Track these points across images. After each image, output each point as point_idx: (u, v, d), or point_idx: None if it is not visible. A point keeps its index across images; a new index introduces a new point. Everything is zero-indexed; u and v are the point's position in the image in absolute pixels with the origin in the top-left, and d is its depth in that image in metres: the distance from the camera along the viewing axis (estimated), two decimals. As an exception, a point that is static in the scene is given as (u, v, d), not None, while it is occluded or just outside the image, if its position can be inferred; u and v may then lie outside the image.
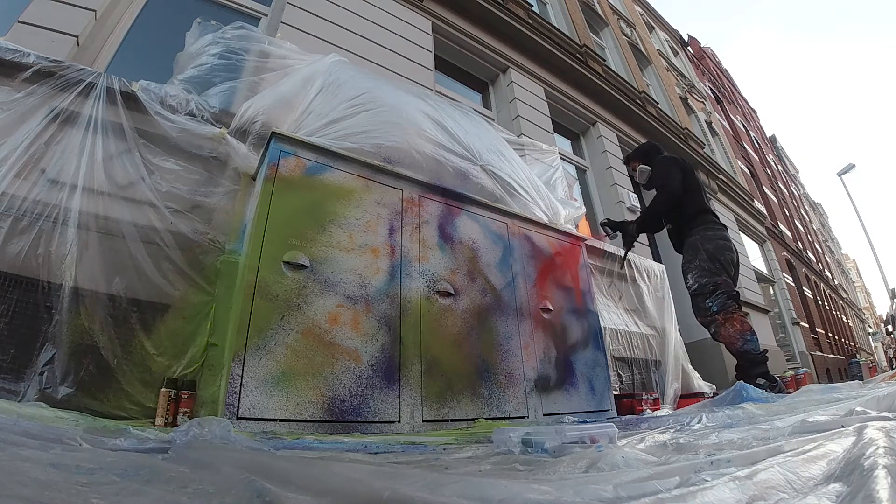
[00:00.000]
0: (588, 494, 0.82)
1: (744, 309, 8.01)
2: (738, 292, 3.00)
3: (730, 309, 2.91)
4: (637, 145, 3.74)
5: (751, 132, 19.92)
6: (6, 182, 2.01)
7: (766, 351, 2.90)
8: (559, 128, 6.52)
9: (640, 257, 4.92)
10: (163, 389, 1.87)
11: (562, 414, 2.73)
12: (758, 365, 2.75)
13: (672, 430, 1.80)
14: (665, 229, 3.39)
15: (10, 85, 2.23)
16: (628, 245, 3.44)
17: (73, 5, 2.78)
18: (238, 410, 1.71)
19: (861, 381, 2.86)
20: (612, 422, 2.19)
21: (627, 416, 2.93)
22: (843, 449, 0.79)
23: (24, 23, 2.58)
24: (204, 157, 2.51)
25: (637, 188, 6.50)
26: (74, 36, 2.73)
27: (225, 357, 1.86)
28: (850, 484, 0.62)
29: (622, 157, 6.93)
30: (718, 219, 3.28)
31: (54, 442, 1.12)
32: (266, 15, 3.90)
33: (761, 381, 2.69)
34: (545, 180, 3.94)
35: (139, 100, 2.42)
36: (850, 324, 24.72)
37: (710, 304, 2.91)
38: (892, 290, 17.81)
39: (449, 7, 5.41)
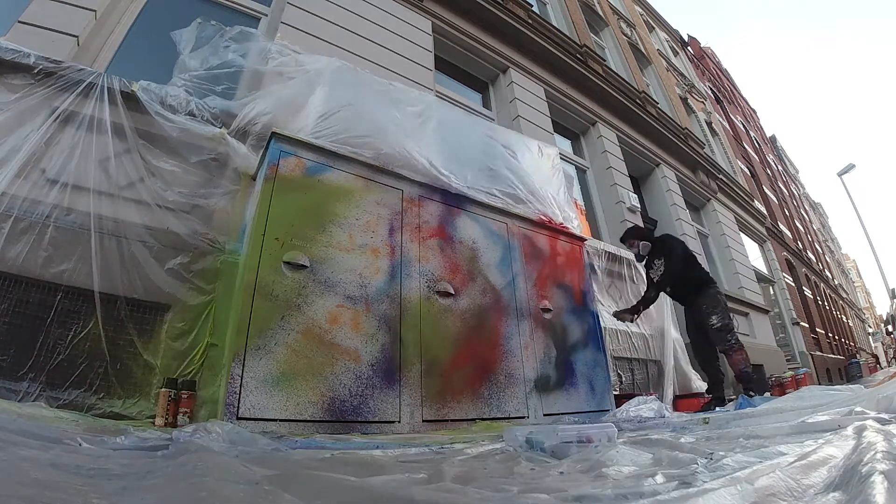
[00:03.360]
0: (588, 494, 0.82)
1: (744, 309, 8.09)
2: None
3: (740, 344, 3.82)
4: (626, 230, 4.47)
5: (751, 132, 19.91)
6: (6, 182, 2.01)
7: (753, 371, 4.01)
8: (559, 128, 6.51)
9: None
10: (163, 389, 1.87)
11: (562, 414, 2.73)
12: (750, 382, 3.71)
13: (671, 431, 1.81)
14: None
15: (10, 85, 2.23)
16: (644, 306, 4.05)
17: (73, 5, 2.78)
18: (238, 410, 1.71)
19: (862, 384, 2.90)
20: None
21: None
22: (843, 454, 0.79)
23: (24, 23, 2.58)
24: (204, 157, 2.51)
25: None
26: (74, 36, 2.72)
27: (225, 357, 1.86)
28: (848, 492, 0.62)
29: (622, 157, 6.94)
30: None
31: (54, 442, 1.13)
32: (266, 15, 3.90)
33: (751, 392, 3.59)
34: (545, 181, 3.93)
35: (139, 100, 2.42)
36: (850, 324, 24.71)
37: (731, 338, 3.76)
38: (892, 290, 17.81)
39: (449, 7, 5.40)
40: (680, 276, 3.96)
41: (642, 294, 4.31)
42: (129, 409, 1.96)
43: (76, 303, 2.02)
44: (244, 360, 1.79)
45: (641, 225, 5.97)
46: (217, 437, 1.32)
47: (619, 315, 4.02)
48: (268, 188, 2.14)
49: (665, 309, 4.73)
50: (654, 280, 4.09)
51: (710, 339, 3.88)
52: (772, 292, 12.00)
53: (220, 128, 2.56)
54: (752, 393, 3.59)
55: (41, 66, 2.30)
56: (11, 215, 1.98)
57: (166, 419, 1.82)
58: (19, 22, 2.58)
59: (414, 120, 3.10)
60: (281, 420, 1.78)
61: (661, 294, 4.11)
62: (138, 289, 2.15)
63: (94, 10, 2.88)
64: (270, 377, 1.82)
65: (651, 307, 4.55)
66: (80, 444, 1.17)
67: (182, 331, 2.16)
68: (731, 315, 3.97)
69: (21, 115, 2.19)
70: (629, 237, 4.27)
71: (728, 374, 4.46)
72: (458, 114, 3.89)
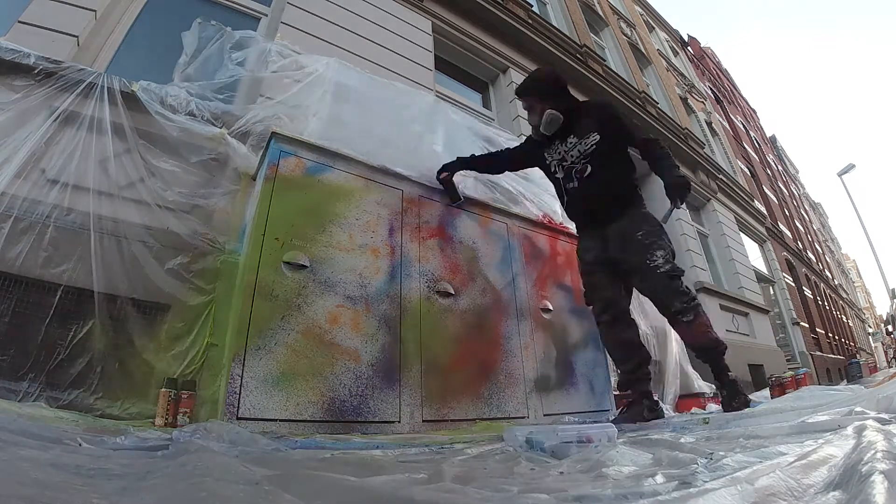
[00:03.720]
0: (589, 494, 0.82)
1: (744, 309, 8.07)
2: None
3: (698, 302, 2.45)
4: (532, 73, 2.94)
5: (751, 132, 19.92)
6: (6, 182, 2.01)
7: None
8: (559, 128, 6.51)
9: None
10: (163, 389, 1.87)
11: (562, 414, 2.73)
12: (723, 355, 2.43)
13: (671, 430, 1.81)
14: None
15: (10, 85, 2.23)
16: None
17: (73, 5, 2.78)
18: (238, 410, 1.71)
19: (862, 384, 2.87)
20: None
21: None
22: (843, 453, 0.79)
23: (24, 23, 2.58)
24: (204, 157, 2.51)
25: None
26: (75, 36, 2.73)
27: (225, 357, 1.86)
28: (848, 491, 0.62)
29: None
30: None
31: (54, 442, 1.13)
32: (266, 15, 3.90)
33: (732, 374, 2.43)
34: (545, 180, 3.93)
35: (139, 100, 2.42)
36: (850, 324, 24.71)
37: (688, 288, 2.44)
38: (893, 290, 17.82)
39: (449, 7, 5.41)
40: (613, 171, 2.58)
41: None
42: (128, 409, 1.96)
43: (76, 303, 2.02)
44: (244, 360, 1.79)
45: None
46: (217, 437, 1.32)
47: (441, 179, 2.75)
48: (268, 188, 2.14)
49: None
50: (553, 168, 2.76)
51: (647, 293, 2.53)
52: (772, 292, 12.00)
53: (221, 128, 2.56)
54: (732, 374, 2.41)
55: (41, 67, 2.30)
56: (11, 215, 1.98)
57: (166, 419, 1.82)
58: (19, 22, 2.58)
59: (415, 125, 3.10)
60: (281, 420, 1.78)
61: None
62: (138, 289, 2.15)
63: (94, 10, 2.88)
64: (270, 377, 1.82)
65: (650, 306, 4.36)
66: (80, 445, 1.17)
67: (182, 331, 2.16)
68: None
69: (21, 115, 2.19)
70: (530, 92, 2.72)
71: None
72: (459, 115, 3.88)
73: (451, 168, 2.81)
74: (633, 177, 2.66)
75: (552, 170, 2.78)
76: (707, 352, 2.42)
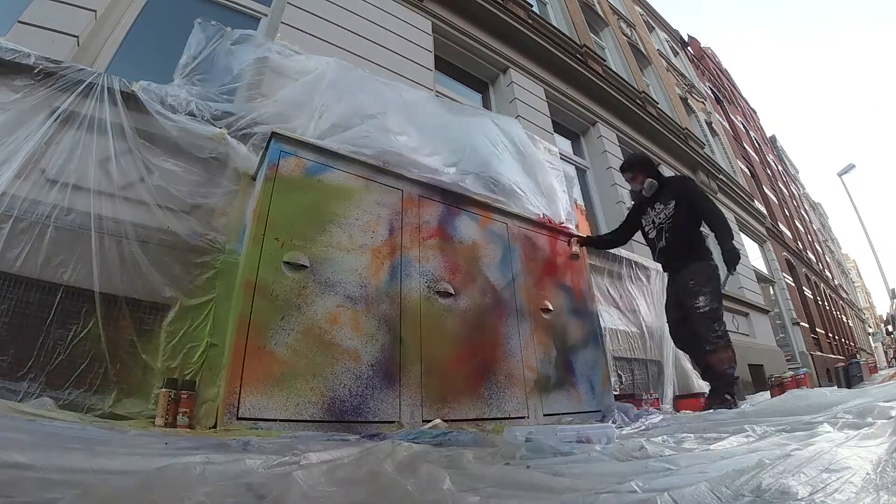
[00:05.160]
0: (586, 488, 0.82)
1: (744, 309, 8.07)
2: None
3: (729, 338, 3.16)
4: (634, 154, 3.99)
5: (751, 132, 19.91)
6: (6, 182, 2.01)
7: (738, 377, 3.31)
8: (559, 128, 6.50)
9: (640, 257, 4.93)
10: (163, 389, 1.87)
11: (562, 414, 2.73)
12: (731, 386, 3.13)
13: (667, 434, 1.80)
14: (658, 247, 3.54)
15: (10, 85, 2.23)
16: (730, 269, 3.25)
17: (73, 5, 2.78)
18: (238, 410, 1.71)
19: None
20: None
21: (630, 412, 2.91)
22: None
23: (24, 23, 2.58)
24: (204, 157, 2.51)
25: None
26: (75, 36, 2.73)
27: (225, 357, 1.86)
28: None
29: (622, 157, 6.94)
30: None
31: (55, 442, 1.13)
32: (266, 15, 3.90)
33: (728, 396, 3.03)
34: (545, 180, 3.94)
35: (139, 100, 2.42)
36: (850, 324, 24.71)
37: (718, 328, 3.09)
38: (893, 290, 17.81)
39: (449, 7, 5.40)
40: (685, 232, 3.31)
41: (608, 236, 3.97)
42: (128, 408, 1.96)
43: (76, 303, 2.02)
44: (244, 360, 1.79)
45: None
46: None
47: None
48: (268, 188, 2.14)
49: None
50: (647, 228, 3.56)
51: (691, 325, 3.24)
52: (772, 292, 12.00)
53: (221, 128, 2.56)
54: (728, 397, 3.02)
55: (41, 67, 2.29)
56: (11, 215, 1.98)
57: (166, 419, 1.82)
58: (19, 22, 2.58)
59: (418, 124, 3.10)
60: (281, 420, 1.78)
61: (660, 295, 3.92)
62: (138, 289, 2.15)
63: (95, 10, 2.88)
64: (270, 377, 1.82)
65: (650, 307, 4.51)
66: (80, 445, 1.17)
67: (182, 331, 2.16)
68: (722, 300, 3.27)
69: (21, 115, 2.19)
70: (635, 167, 3.60)
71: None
72: (465, 116, 3.87)
73: (586, 243, 3.63)
74: (700, 236, 3.41)
75: (646, 230, 3.57)
76: (716, 377, 3.13)
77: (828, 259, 26.28)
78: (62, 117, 2.26)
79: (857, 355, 17.32)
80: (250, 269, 1.95)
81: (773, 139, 28.19)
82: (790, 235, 16.50)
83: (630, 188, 3.70)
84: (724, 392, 3.06)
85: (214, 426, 1.72)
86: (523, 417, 2.54)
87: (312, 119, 2.61)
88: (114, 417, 1.89)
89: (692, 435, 1.66)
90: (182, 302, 2.21)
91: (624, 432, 2.19)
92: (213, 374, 2.01)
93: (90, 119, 2.31)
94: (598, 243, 3.93)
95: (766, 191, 16.47)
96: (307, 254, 2.11)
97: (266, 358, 1.84)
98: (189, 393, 1.90)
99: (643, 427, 2.43)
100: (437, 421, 2.07)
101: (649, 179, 3.46)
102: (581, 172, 6.62)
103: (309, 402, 1.87)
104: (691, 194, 3.41)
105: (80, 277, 2.04)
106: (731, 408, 2.85)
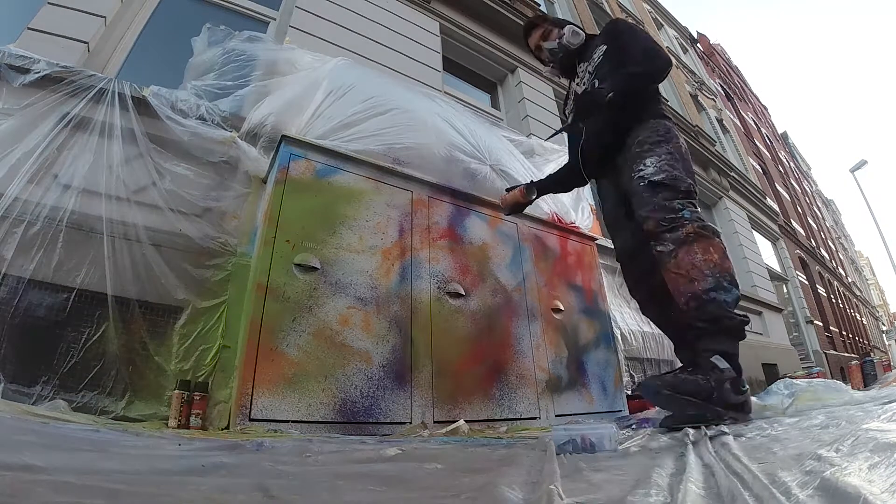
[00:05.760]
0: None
1: (757, 308, 7.99)
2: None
3: (707, 228, 1.76)
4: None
5: (762, 129, 19.75)
6: (19, 187, 2.03)
7: (746, 317, 1.67)
8: (568, 127, 6.48)
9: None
10: (176, 391, 1.88)
11: (574, 415, 2.71)
12: (728, 333, 1.60)
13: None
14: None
15: (21, 91, 2.26)
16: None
17: (82, 11, 2.80)
18: (250, 412, 1.71)
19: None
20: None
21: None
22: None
23: (33, 29, 2.60)
24: (215, 160, 2.53)
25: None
26: (84, 42, 2.75)
27: (237, 359, 1.87)
28: None
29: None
30: None
31: (66, 445, 1.13)
32: (274, 19, 3.91)
33: (721, 363, 1.56)
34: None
35: (150, 105, 2.43)
36: (864, 321, 24.41)
37: (680, 205, 1.77)
38: (908, 287, 17.54)
39: (456, 8, 5.40)
40: (632, 90, 2.02)
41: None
42: (141, 410, 1.97)
43: (89, 306, 2.04)
44: (256, 361, 1.79)
45: None
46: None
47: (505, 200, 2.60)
48: (278, 191, 2.14)
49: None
50: (568, 112, 2.49)
51: (648, 253, 1.88)
52: (785, 291, 11.89)
53: (231, 131, 2.57)
54: (722, 363, 1.56)
55: (51, 72, 2.31)
56: (24, 220, 2.00)
57: (179, 421, 1.83)
58: (29, 28, 2.60)
59: (428, 113, 3.07)
60: (293, 421, 1.78)
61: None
62: (150, 292, 2.16)
63: (104, 16, 2.90)
64: (282, 379, 1.82)
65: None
66: (92, 447, 1.18)
67: (194, 333, 2.17)
68: (692, 173, 1.95)
69: (33, 120, 2.21)
70: (541, 23, 2.54)
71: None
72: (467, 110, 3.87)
73: (542, 188, 2.58)
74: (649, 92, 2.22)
75: (567, 114, 2.51)
76: (690, 311, 1.64)
77: (841, 256, 25.99)
78: (73, 122, 2.28)
79: (871, 353, 17.11)
80: (262, 272, 1.96)
81: (784, 135, 27.93)
82: (803, 233, 16.34)
83: (545, 73, 2.69)
84: (713, 347, 1.59)
85: (227, 427, 1.72)
86: (535, 418, 2.53)
87: (321, 119, 2.60)
88: (127, 419, 1.90)
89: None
90: (194, 304, 2.22)
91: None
92: (225, 375, 2.02)
93: (101, 124, 2.33)
94: (549, 185, 2.63)
95: (779, 188, 16.32)
96: (318, 256, 2.11)
97: (278, 359, 1.84)
98: (202, 394, 1.91)
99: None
100: (461, 422, 2.06)
101: (568, 26, 2.38)
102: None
103: (321, 403, 1.87)
104: (625, 35, 2.21)
105: (93, 281, 2.05)
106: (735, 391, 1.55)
